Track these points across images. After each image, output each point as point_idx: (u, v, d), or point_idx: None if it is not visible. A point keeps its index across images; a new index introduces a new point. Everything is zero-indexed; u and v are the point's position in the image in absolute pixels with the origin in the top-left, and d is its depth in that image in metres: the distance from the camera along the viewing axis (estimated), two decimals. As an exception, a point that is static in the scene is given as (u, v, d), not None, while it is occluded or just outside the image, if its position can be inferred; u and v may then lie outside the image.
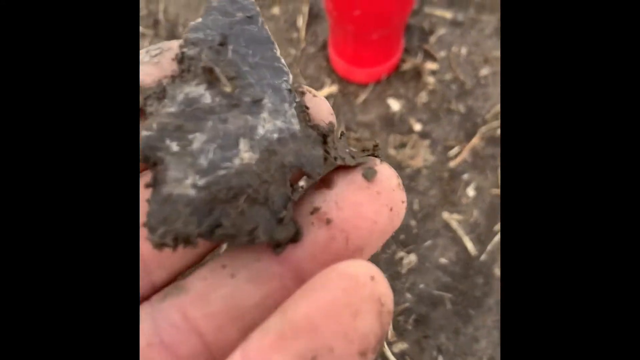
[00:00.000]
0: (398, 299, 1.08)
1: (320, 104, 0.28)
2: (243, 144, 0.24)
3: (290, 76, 0.26)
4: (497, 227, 1.11)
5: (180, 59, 0.25)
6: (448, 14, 1.29)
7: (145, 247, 0.25)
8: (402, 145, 1.18)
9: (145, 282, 0.26)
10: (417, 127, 1.19)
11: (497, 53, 1.25)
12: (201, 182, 0.23)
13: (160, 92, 0.25)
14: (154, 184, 0.23)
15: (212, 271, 0.25)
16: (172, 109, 0.24)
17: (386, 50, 1.21)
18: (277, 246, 0.25)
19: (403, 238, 1.12)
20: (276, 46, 0.26)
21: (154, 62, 0.25)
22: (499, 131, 1.18)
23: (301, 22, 1.29)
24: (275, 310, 0.22)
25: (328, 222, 0.25)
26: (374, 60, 1.21)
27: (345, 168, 0.26)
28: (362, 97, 1.22)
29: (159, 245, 0.22)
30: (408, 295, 1.08)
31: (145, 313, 0.25)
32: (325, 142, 0.27)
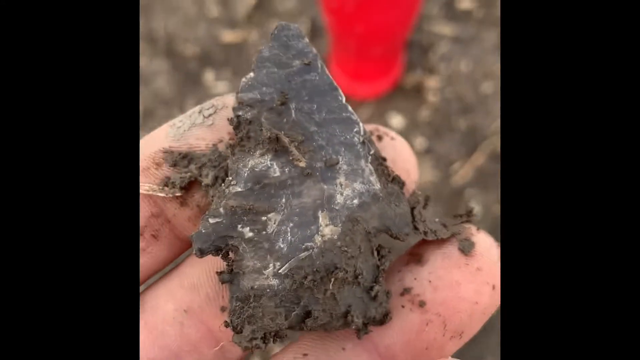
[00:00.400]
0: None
1: (400, 149, 0.25)
2: (322, 218, 0.22)
3: (361, 125, 0.24)
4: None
5: (237, 124, 0.22)
6: (448, 30, 1.29)
7: (218, 324, 0.24)
8: (404, 162, 1.17)
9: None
10: (419, 143, 1.18)
11: (499, 69, 1.25)
12: (283, 269, 0.21)
13: (216, 159, 0.23)
14: (231, 279, 0.22)
15: None
16: (239, 188, 0.22)
17: (387, 66, 1.20)
18: (362, 328, 0.23)
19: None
20: (340, 92, 0.23)
21: (208, 124, 0.23)
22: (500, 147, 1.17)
23: (301, 38, 1.28)
24: None
25: (422, 304, 0.23)
26: (375, 77, 1.21)
27: (437, 241, 0.24)
28: (364, 113, 1.21)
29: (249, 348, 0.21)
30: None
31: None
32: (412, 209, 0.24)
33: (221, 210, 0.22)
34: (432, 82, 1.24)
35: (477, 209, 1.13)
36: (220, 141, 0.23)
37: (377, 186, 0.23)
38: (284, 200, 0.22)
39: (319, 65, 0.24)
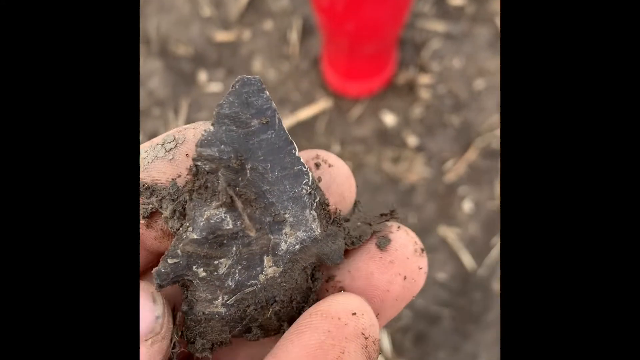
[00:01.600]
0: (396, 316, 1.06)
1: (335, 175, 0.28)
2: (267, 261, 0.25)
3: (310, 175, 0.26)
4: (494, 240, 1.10)
5: (195, 172, 0.24)
6: (441, 27, 1.29)
7: None
8: (397, 160, 1.17)
9: None
10: (412, 141, 1.19)
11: (491, 65, 1.25)
12: (230, 300, 0.26)
13: (174, 194, 0.25)
14: (187, 304, 0.25)
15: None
16: (195, 236, 0.24)
17: (380, 64, 1.20)
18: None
19: (400, 253, 1.10)
20: (294, 145, 0.26)
21: (169, 159, 0.25)
22: (494, 144, 1.17)
23: (294, 37, 1.29)
24: (268, 355, 0.24)
25: (341, 290, 0.26)
26: (368, 75, 1.21)
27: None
28: (356, 111, 1.21)
29: (199, 356, 0.26)
30: (406, 312, 1.07)
31: None
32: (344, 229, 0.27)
33: (179, 252, 0.25)
34: (424, 80, 1.24)
35: (470, 205, 1.14)
36: (179, 176, 0.25)
37: (318, 231, 0.26)
38: (234, 248, 0.25)
39: (277, 121, 0.25)
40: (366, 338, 0.23)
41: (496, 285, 1.08)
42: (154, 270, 0.25)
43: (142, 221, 0.25)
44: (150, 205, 0.25)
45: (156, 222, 0.26)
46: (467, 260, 1.10)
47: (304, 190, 0.26)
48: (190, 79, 1.27)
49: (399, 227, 0.27)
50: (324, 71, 1.24)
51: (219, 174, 0.24)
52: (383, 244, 0.26)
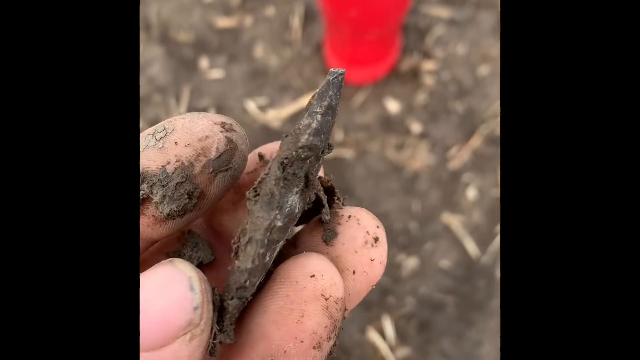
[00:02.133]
0: (399, 303, 1.06)
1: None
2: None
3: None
4: (498, 227, 1.10)
5: (283, 162, 0.24)
6: (445, 13, 1.27)
7: None
8: (401, 147, 1.17)
9: None
10: (416, 128, 1.18)
11: (495, 51, 1.23)
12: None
13: (164, 179, 0.24)
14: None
15: None
16: (280, 223, 0.24)
17: (383, 50, 1.19)
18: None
19: (403, 241, 1.10)
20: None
21: (159, 147, 0.24)
22: (498, 131, 1.17)
23: (296, 22, 1.27)
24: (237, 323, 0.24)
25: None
26: (371, 61, 1.20)
27: (312, 226, 0.26)
28: (360, 98, 1.20)
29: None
30: (410, 299, 1.07)
31: None
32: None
33: (266, 241, 0.24)
34: (428, 66, 1.23)
35: (474, 192, 1.13)
36: (169, 163, 0.24)
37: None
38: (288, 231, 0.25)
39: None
40: (326, 299, 0.23)
41: (500, 273, 1.07)
42: (245, 266, 0.23)
43: None
44: (142, 192, 0.25)
45: (147, 208, 0.25)
46: (471, 247, 1.09)
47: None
48: (192, 65, 1.26)
49: (349, 217, 0.26)
50: (326, 57, 1.23)
51: (308, 161, 0.24)
52: (329, 237, 0.25)
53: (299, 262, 0.24)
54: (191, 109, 1.22)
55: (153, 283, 0.21)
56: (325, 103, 0.24)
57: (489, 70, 1.22)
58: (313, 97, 0.25)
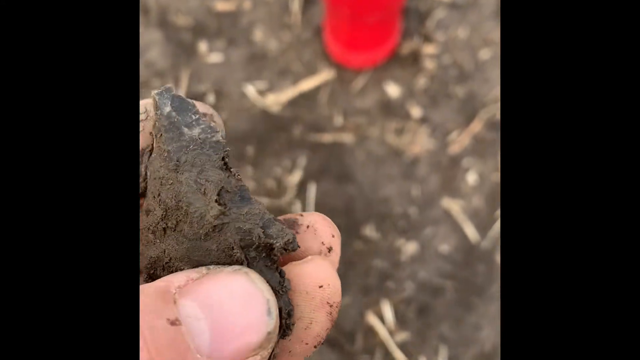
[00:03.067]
0: (399, 288, 1.07)
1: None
2: None
3: None
4: (498, 213, 1.10)
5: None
6: (446, -4, 1.26)
7: None
8: (401, 132, 1.16)
9: None
10: (416, 112, 1.17)
11: (497, 35, 1.22)
12: None
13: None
14: None
15: None
16: None
17: (383, 34, 1.18)
18: None
19: (403, 225, 1.10)
20: None
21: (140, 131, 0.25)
22: (499, 115, 1.16)
23: (296, 6, 1.26)
24: None
25: None
26: (371, 45, 1.19)
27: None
28: (359, 82, 1.20)
29: None
30: (409, 284, 1.07)
31: None
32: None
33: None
34: (429, 50, 1.22)
35: (474, 177, 1.13)
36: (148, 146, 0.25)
37: None
38: None
39: None
40: (330, 305, 0.25)
41: (500, 258, 1.07)
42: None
43: None
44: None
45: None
46: (471, 232, 1.09)
47: None
48: (191, 49, 1.25)
49: (307, 227, 0.26)
50: (326, 41, 1.22)
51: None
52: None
53: (307, 272, 0.25)
54: (190, 93, 1.21)
55: (235, 295, 0.21)
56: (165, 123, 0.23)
57: (490, 54, 1.21)
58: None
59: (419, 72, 1.20)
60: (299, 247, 0.25)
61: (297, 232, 0.26)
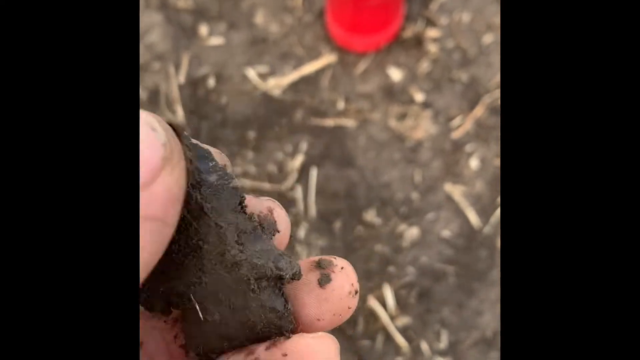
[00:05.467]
0: (400, 273, 1.07)
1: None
2: None
3: None
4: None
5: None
6: (450, -21, 1.25)
7: None
8: (403, 116, 1.15)
9: None
10: (419, 97, 1.16)
11: (500, 19, 1.21)
12: None
13: None
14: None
15: None
16: None
17: (386, 17, 1.17)
18: None
19: (405, 211, 1.10)
20: None
21: None
22: (502, 100, 1.15)
23: (297, -11, 1.25)
24: None
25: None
26: (374, 28, 1.17)
27: (308, 265, 0.30)
28: (362, 66, 1.19)
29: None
30: (410, 269, 1.07)
31: None
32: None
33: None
34: (432, 33, 1.20)
35: (477, 162, 1.12)
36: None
37: None
38: None
39: None
40: None
41: (500, 243, 1.07)
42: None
43: None
44: None
45: None
46: (473, 217, 1.09)
47: None
48: (191, 32, 1.24)
49: (342, 268, 0.29)
50: (328, 24, 1.20)
51: None
52: (323, 281, 0.29)
53: (313, 349, 0.27)
54: (190, 76, 1.20)
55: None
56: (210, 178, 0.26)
57: (494, 38, 1.20)
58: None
59: (422, 56, 1.19)
60: (302, 275, 0.29)
61: (333, 272, 0.29)
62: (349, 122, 1.15)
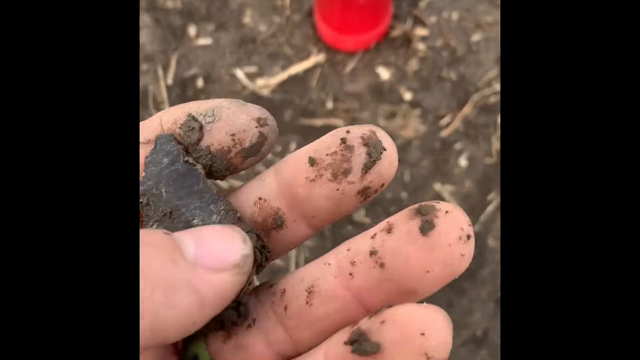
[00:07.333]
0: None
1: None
2: None
3: (213, 191, 0.30)
4: (490, 197, 1.09)
5: (145, 204, 0.30)
6: (438, -22, 1.25)
7: None
8: (392, 116, 1.15)
9: None
10: (408, 96, 1.16)
11: (489, 18, 1.21)
12: None
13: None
14: None
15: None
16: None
17: (375, 16, 1.17)
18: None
19: (394, 210, 1.09)
20: (199, 170, 0.31)
21: (207, 130, 0.30)
22: (491, 99, 1.15)
23: (286, -12, 1.25)
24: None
25: (382, 266, 0.27)
26: (362, 27, 1.17)
27: (408, 213, 0.28)
28: (350, 66, 1.18)
29: None
30: (400, 269, 1.06)
31: None
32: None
33: None
34: (421, 32, 1.20)
35: (466, 161, 1.12)
36: (212, 144, 0.30)
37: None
38: None
39: (180, 159, 0.31)
40: (428, 358, 0.24)
41: (491, 242, 1.07)
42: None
43: None
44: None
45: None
46: (463, 216, 1.09)
47: (212, 205, 0.30)
48: (179, 33, 1.23)
49: (447, 212, 0.26)
50: (316, 24, 1.20)
51: (148, 201, 0.30)
52: (426, 229, 0.26)
53: (414, 315, 0.25)
54: (179, 78, 1.20)
55: (213, 229, 0.27)
56: (147, 160, 0.30)
57: (483, 37, 1.20)
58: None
59: (410, 55, 1.19)
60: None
61: (436, 217, 0.26)
62: (338, 122, 1.15)
